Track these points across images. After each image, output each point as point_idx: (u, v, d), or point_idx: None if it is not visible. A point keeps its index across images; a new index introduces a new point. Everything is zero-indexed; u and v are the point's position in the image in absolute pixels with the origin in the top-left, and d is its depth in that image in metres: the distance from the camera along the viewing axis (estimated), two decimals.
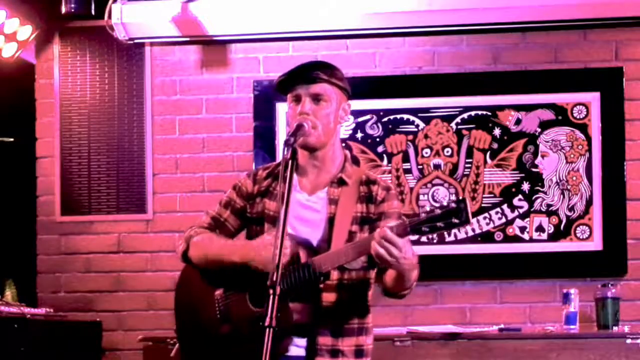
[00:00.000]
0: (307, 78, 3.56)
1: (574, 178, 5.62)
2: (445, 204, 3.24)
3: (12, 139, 6.31)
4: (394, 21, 5.65)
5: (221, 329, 3.58)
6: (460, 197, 3.22)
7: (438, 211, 3.23)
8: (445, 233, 5.62)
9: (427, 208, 3.27)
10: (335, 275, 3.51)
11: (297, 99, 3.57)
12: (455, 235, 5.64)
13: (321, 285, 3.48)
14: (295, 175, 3.60)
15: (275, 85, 3.65)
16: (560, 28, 5.65)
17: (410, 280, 3.45)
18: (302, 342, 3.53)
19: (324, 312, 3.51)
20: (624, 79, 5.62)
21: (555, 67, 5.69)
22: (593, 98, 5.63)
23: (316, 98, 3.55)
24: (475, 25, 5.65)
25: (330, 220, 3.54)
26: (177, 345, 3.77)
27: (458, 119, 5.71)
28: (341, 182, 3.60)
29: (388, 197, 3.59)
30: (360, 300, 3.59)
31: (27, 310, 5.25)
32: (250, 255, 3.51)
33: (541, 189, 5.64)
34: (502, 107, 5.69)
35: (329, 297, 3.51)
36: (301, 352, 3.53)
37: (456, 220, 3.20)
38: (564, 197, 5.62)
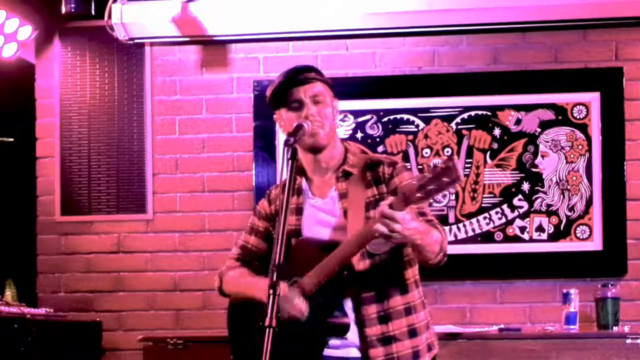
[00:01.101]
0: (302, 80, 3.56)
1: (574, 178, 5.63)
2: (433, 166, 3.22)
3: (12, 139, 6.31)
4: (394, 21, 5.66)
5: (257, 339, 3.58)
6: (448, 157, 3.18)
7: (428, 175, 3.19)
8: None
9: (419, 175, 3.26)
10: (367, 263, 3.50)
11: (298, 104, 3.56)
12: (455, 235, 5.65)
13: (345, 273, 3.47)
14: (304, 184, 3.64)
15: (270, 98, 3.62)
16: (560, 28, 5.65)
17: (431, 245, 3.39)
18: (354, 339, 3.52)
19: (363, 302, 3.51)
20: (624, 79, 5.62)
21: (555, 67, 5.69)
22: (593, 98, 5.64)
23: (315, 99, 3.56)
24: (475, 25, 5.65)
25: (345, 215, 3.54)
26: None
27: (458, 119, 5.71)
28: (347, 175, 3.60)
29: (396, 171, 3.57)
30: (396, 280, 3.56)
31: (27, 310, 5.25)
32: (263, 297, 3.49)
33: (541, 189, 5.64)
34: (502, 107, 5.69)
35: (364, 287, 3.51)
36: (356, 353, 3.53)
37: (447, 179, 3.16)
38: (564, 197, 5.62)
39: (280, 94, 3.59)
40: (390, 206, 3.24)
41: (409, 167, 5.67)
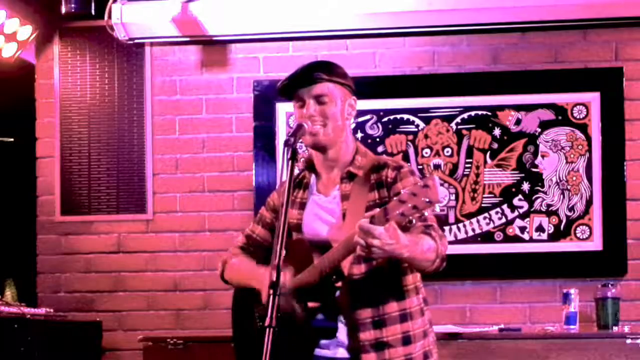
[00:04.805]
0: (307, 80, 3.55)
1: (574, 178, 5.63)
2: (414, 183, 3.18)
3: (12, 139, 6.32)
4: (394, 21, 5.66)
5: (260, 339, 3.56)
6: (429, 175, 3.16)
7: (408, 192, 3.14)
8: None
9: (402, 192, 3.22)
10: (362, 268, 3.48)
11: (302, 103, 3.55)
12: (455, 235, 5.65)
13: (338, 284, 3.46)
14: (313, 180, 3.64)
15: (277, 91, 3.64)
16: (560, 28, 5.66)
17: (422, 255, 3.36)
18: (344, 340, 3.50)
19: (357, 306, 3.48)
20: (624, 79, 5.62)
21: (555, 67, 5.69)
22: (593, 98, 5.64)
23: (319, 99, 3.54)
24: (475, 25, 5.65)
25: (344, 217, 3.52)
26: None
27: (458, 119, 5.71)
28: (351, 176, 3.58)
29: (400, 176, 3.51)
30: (393, 287, 3.53)
31: (27, 310, 5.25)
32: (258, 286, 3.55)
33: (541, 189, 5.64)
34: (502, 107, 5.69)
35: (359, 291, 3.48)
36: (344, 353, 3.51)
37: (425, 199, 3.11)
38: (564, 197, 5.62)
39: (287, 89, 3.59)
40: (372, 219, 3.18)
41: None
